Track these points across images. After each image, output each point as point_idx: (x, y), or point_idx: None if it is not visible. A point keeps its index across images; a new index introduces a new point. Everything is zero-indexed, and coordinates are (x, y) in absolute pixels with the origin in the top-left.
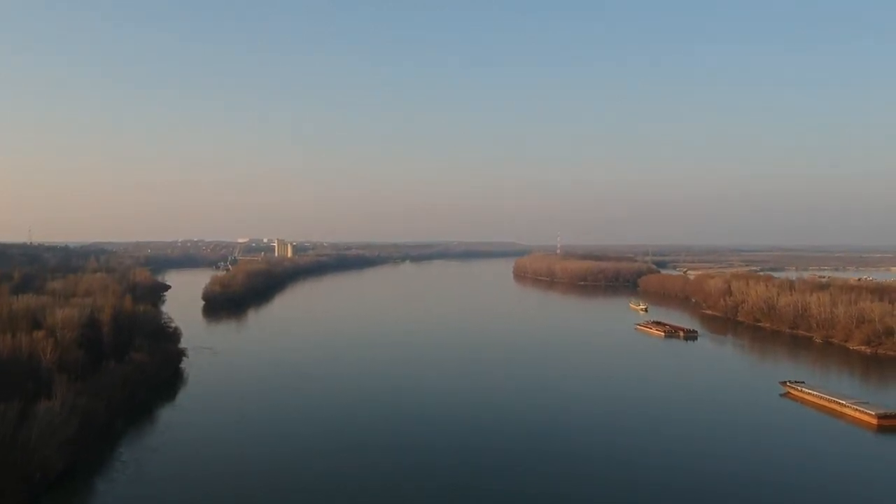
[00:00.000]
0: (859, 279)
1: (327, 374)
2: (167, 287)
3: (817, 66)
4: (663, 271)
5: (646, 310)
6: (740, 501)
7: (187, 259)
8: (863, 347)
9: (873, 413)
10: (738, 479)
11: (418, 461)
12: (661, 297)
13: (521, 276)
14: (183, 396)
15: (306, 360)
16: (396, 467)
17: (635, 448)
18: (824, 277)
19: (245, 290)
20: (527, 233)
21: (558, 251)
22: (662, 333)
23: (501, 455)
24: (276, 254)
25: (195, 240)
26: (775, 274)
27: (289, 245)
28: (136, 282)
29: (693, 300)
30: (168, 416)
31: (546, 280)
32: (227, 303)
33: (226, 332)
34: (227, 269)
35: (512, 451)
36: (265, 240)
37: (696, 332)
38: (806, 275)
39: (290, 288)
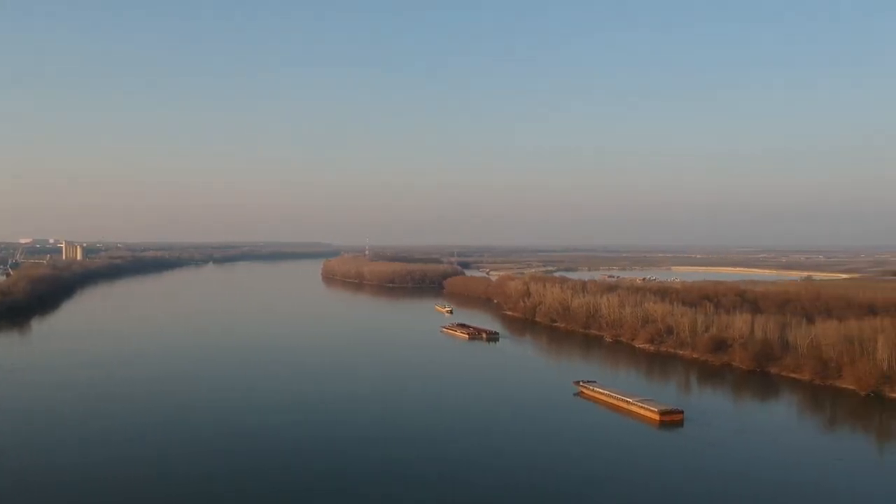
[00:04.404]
0: (644, 279)
1: (113, 393)
2: None
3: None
4: (468, 272)
5: (451, 312)
6: (531, 498)
7: None
8: (647, 346)
9: (656, 410)
10: (529, 475)
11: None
12: (466, 298)
13: (329, 278)
14: None
15: (91, 377)
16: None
17: (432, 447)
18: (613, 278)
19: (28, 297)
20: (337, 234)
21: (367, 253)
22: (466, 336)
23: (305, 456)
24: (64, 256)
25: None
26: (570, 274)
27: (78, 247)
28: None
29: (495, 301)
30: None
31: (355, 282)
32: (7, 312)
33: (6, 346)
34: (8, 274)
35: (316, 455)
36: (51, 240)
37: (498, 333)
38: (597, 275)
39: (80, 293)
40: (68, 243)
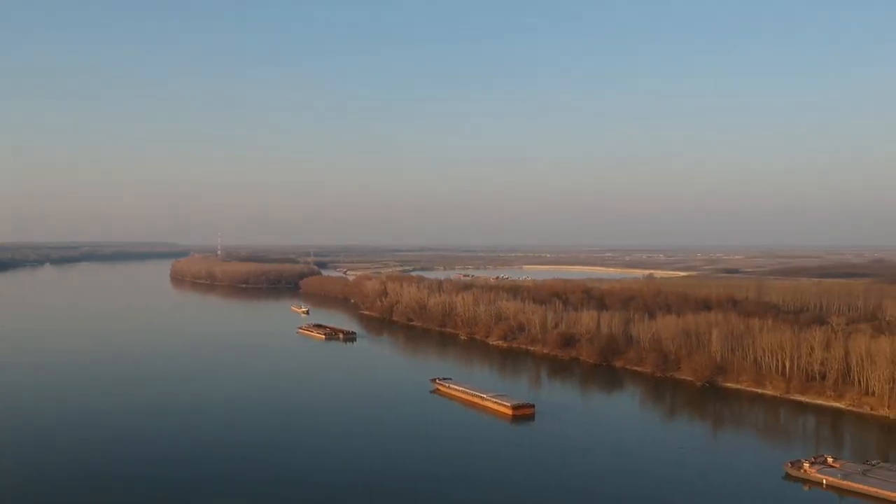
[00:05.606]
0: (497, 278)
1: None
2: None
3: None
4: (325, 272)
5: (307, 312)
6: (383, 496)
7: None
8: (500, 342)
9: (509, 405)
10: (382, 474)
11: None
12: (323, 298)
13: (178, 279)
14: None
15: None
16: None
17: (280, 450)
18: (468, 277)
19: None
20: (186, 233)
21: (219, 253)
22: (323, 336)
23: (162, 466)
24: None
25: None
26: (426, 273)
27: None
28: None
29: (352, 301)
30: None
31: (206, 283)
32: None
33: None
34: None
35: (171, 464)
36: None
37: (355, 333)
38: (453, 274)
39: None
40: None
